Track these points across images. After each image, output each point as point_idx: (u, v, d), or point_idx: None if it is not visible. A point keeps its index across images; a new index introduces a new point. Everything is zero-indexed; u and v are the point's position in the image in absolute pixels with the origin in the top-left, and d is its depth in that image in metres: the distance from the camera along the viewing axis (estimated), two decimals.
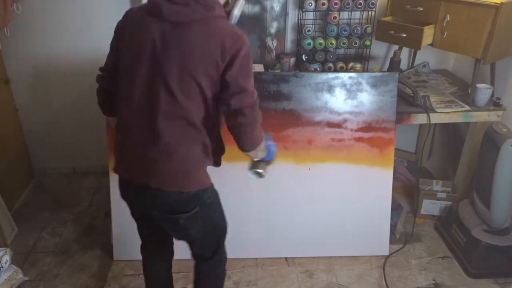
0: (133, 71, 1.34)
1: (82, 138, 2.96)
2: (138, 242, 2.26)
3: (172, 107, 1.31)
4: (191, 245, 1.68)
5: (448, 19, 2.20)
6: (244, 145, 1.45)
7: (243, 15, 2.61)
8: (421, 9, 2.31)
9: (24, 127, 2.88)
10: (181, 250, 2.29)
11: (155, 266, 1.79)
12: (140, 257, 2.28)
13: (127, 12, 1.46)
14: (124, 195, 1.54)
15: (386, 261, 2.32)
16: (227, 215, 2.28)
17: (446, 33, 2.23)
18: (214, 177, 2.22)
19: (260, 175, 1.64)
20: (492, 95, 2.33)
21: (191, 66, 1.28)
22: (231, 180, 2.22)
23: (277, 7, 2.62)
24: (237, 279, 2.20)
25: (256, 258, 2.32)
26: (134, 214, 1.64)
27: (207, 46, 1.28)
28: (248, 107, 1.35)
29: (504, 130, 2.11)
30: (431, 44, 2.33)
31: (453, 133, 2.83)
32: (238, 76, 1.32)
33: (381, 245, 2.36)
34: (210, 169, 2.23)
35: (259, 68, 2.57)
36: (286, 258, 2.33)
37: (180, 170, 1.40)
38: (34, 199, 2.82)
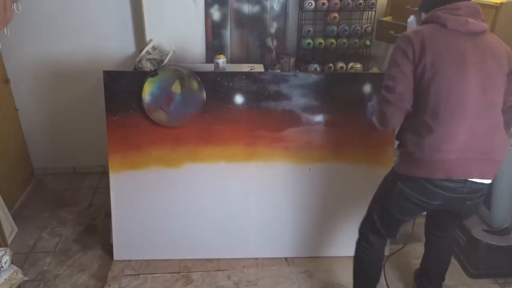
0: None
1: (82, 138, 2.96)
2: (138, 242, 2.27)
3: None
4: (446, 227, 1.88)
5: None
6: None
7: (243, 15, 2.62)
8: None
9: (24, 127, 2.88)
10: (182, 250, 2.30)
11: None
12: (140, 257, 2.29)
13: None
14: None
15: (386, 261, 2.32)
16: (226, 215, 2.29)
17: None
18: (214, 177, 2.23)
19: None
20: None
21: None
22: (231, 180, 2.23)
23: (277, 7, 2.62)
24: (237, 279, 2.20)
25: (256, 258, 2.32)
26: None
27: (501, 53, 1.57)
28: None
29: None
30: None
31: None
32: None
33: None
34: (209, 169, 2.23)
35: (259, 68, 2.57)
36: (286, 258, 2.33)
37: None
38: (34, 199, 2.82)
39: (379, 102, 1.59)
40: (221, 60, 2.38)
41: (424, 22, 1.58)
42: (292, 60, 2.64)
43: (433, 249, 1.98)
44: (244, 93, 2.14)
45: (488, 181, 1.55)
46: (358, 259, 1.88)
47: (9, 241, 2.33)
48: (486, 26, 1.54)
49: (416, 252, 2.41)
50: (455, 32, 1.49)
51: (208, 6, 2.58)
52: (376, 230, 1.77)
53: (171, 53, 2.44)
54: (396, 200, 1.63)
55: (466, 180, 1.51)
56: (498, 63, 1.51)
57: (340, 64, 2.66)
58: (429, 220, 1.94)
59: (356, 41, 2.62)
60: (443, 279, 2.03)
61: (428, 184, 1.52)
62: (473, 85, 1.46)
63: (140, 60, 2.38)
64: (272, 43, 2.69)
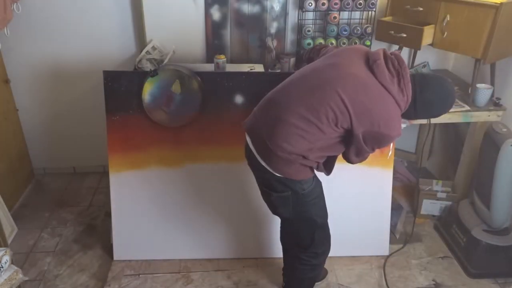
0: None
1: (82, 138, 2.96)
2: (138, 242, 2.27)
3: None
4: (284, 226, 1.92)
5: (448, 19, 2.20)
6: None
7: (243, 15, 2.62)
8: (421, 9, 2.31)
9: (24, 127, 2.88)
10: (182, 250, 2.30)
11: None
12: (140, 257, 2.29)
13: None
14: None
15: (386, 261, 2.32)
16: (226, 215, 2.28)
17: (446, 33, 2.23)
18: (214, 177, 2.23)
19: None
20: (492, 95, 2.33)
21: None
22: (230, 180, 2.23)
23: (277, 7, 2.62)
24: (237, 279, 2.20)
25: (256, 258, 2.32)
26: None
27: None
28: None
29: (504, 130, 2.11)
30: (431, 44, 2.33)
31: (453, 133, 2.83)
32: None
33: (381, 245, 2.36)
34: (209, 169, 2.23)
35: (259, 68, 2.57)
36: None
37: None
38: (34, 199, 2.82)
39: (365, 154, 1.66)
40: (221, 60, 2.38)
41: None
42: (292, 60, 2.64)
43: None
44: (244, 93, 2.14)
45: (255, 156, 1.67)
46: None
47: (9, 241, 2.33)
48: None
49: (416, 252, 2.41)
50: None
51: (208, 6, 2.58)
52: (326, 225, 1.93)
53: (171, 53, 2.44)
54: (320, 194, 1.86)
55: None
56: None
57: None
58: None
59: (356, 41, 2.62)
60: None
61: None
62: None
63: (140, 60, 2.38)
64: (272, 43, 2.69)
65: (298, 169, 1.63)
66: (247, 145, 1.73)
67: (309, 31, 2.58)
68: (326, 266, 2.30)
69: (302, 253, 1.87)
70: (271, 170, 1.64)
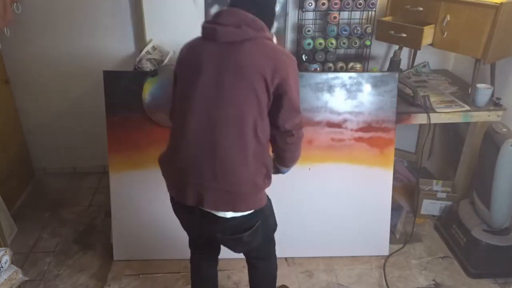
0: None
1: (82, 138, 2.96)
2: (138, 242, 2.27)
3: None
4: (249, 252, 1.72)
5: (448, 19, 2.20)
6: (287, 162, 1.59)
7: None
8: (421, 9, 2.31)
9: (24, 127, 2.88)
10: (182, 250, 2.30)
11: (205, 269, 1.83)
12: (140, 258, 2.29)
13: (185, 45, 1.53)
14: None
15: (386, 261, 2.32)
16: None
17: (446, 33, 2.23)
18: None
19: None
20: (492, 95, 2.33)
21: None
22: None
23: (277, 7, 2.61)
24: (237, 279, 2.20)
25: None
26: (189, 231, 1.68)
27: (259, 63, 1.35)
28: (296, 128, 1.43)
29: (504, 130, 2.11)
30: (431, 44, 2.33)
31: (453, 133, 2.83)
32: (290, 96, 1.37)
33: (381, 245, 2.36)
34: None
35: None
36: (286, 258, 2.33)
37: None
38: (34, 199, 2.82)
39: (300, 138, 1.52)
40: None
41: None
42: None
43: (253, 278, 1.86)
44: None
45: (222, 214, 1.42)
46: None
47: (9, 241, 2.32)
48: (249, 35, 1.36)
49: (416, 252, 2.41)
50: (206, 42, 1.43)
51: (208, 6, 2.58)
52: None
53: (171, 53, 2.44)
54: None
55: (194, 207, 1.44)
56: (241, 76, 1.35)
57: (340, 64, 2.66)
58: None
59: (356, 41, 2.62)
60: None
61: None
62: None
63: (140, 60, 2.38)
64: None
65: (263, 188, 1.47)
66: (189, 211, 1.49)
67: (309, 31, 2.58)
68: (326, 266, 2.30)
69: (263, 266, 1.79)
70: (238, 215, 1.43)
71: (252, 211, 1.45)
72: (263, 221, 1.53)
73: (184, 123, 1.40)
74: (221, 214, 1.42)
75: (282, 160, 1.58)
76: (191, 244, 1.78)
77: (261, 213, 1.51)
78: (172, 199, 1.56)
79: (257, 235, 1.53)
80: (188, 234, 1.72)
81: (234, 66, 1.35)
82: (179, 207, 1.52)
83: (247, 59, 1.35)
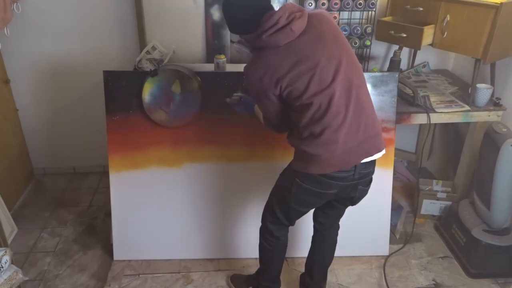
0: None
1: (82, 138, 2.96)
2: (138, 242, 2.27)
3: None
4: (338, 215, 1.92)
5: (448, 19, 2.20)
6: None
7: None
8: (421, 9, 2.31)
9: (24, 127, 2.88)
10: (182, 250, 2.30)
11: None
12: (140, 257, 2.29)
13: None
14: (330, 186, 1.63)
15: (386, 261, 2.32)
16: (226, 215, 2.29)
17: (446, 33, 2.23)
18: (214, 177, 2.23)
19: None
20: (492, 95, 2.33)
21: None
22: (230, 180, 2.23)
23: (277, 7, 2.61)
24: None
25: (256, 258, 2.32)
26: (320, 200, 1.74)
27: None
28: None
29: (504, 130, 2.11)
30: (431, 44, 2.33)
31: (453, 133, 2.83)
32: None
33: (381, 245, 2.36)
34: (209, 169, 2.23)
35: None
36: (286, 258, 2.33)
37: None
38: (34, 199, 2.82)
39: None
40: (221, 60, 2.38)
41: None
42: None
43: (317, 242, 2.00)
44: (244, 93, 2.13)
45: (377, 156, 1.63)
46: (266, 251, 1.95)
47: (9, 241, 2.33)
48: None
49: (416, 252, 2.41)
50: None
51: (208, 6, 2.58)
52: (278, 221, 1.83)
53: (171, 53, 2.44)
54: (295, 194, 1.68)
55: (355, 166, 1.59)
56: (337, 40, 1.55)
57: None
58: (317, 214, 1.95)
59: (356, 41, 2.62)
60: (325, 278, 2.07)
61: (323, 177, 1.59)
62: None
63: (140, 60, 2.37)
64: None
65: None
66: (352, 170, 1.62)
67: None
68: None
69: (335, 233, 2.01)
70: (380, 155, 1.65)
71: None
72: None
73: (328, 108, 1.50)
74: (376, 156, 1.63)
75: None
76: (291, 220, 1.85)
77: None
78: (321, 178, 1.61)
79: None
80: (311, 206, 1.80)
81: (330, 39, 1.53)
82: (329, 181, 1.61)
83: (327, 30, 1.54)
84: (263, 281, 2.04)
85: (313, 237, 2.01)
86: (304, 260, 2.32)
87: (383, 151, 1.65)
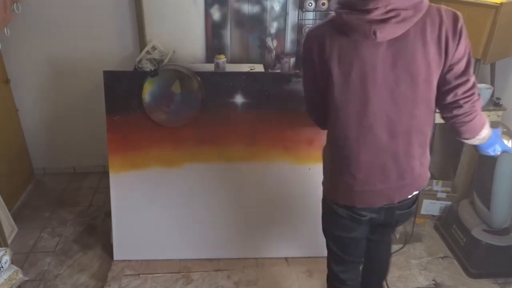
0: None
1: (82, 138, 2.96)
2: (138, 242, 2.27)
3: None
4: (383, 233, 1.71)
5: None
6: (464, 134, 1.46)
7: (243, 15, 2.62)
8: None
9: (24, 127, 2.88)
10: (182, 250, 2.30)
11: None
12: (140, 257, 2.29)
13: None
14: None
15: None
16: (226, 215, 2.29)
17: None
18: (214, 177, 2.23)
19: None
20: (492, 95, 2.33)
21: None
22: (230, 180, 2.23)
23: (277, 7, 2.62)
24: (237, 279, 2.20)
25: (256, 258, 2.32)
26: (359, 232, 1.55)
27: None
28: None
29: (504, 130, 2.11)
30: None
31: (453, 133, 2.82)
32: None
33: None
34: (209, 169, 2.23)
35: (259, 68, 2.57)
36: (286, 258, 2.33)
37: None
38: (34, 199, 2.82)
39: None
40: (221, 60, 2.38)
41: None
42: (292, 60, 2.64)
43: (369, 255, 1.76)
44: (244, 93, 2.14)
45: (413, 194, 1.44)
46: None
47: (9, 241, 2.33)
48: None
49: (416, 252, 2.41)
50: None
51: (208, 6, 2.58)
52: (335, 255, 1.63)
53: (171, 53, 2.44)
54: (330, 218, 1.57)
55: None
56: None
57: None
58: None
59: None
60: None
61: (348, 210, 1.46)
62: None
63: (140, 60, 2.38)
64: (272, 43, 2.69)
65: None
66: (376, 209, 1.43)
67: None
68: (326, 266, 2.30)
69: (388, 248, 1.80)
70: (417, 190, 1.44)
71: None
72: None
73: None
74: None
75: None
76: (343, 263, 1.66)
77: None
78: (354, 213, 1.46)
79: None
80: (351, 230, 1.55)
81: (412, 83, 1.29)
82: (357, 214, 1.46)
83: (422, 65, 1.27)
84: None
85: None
86: (304, 260, 2.32)
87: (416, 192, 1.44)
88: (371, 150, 1.33)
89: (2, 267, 1.73)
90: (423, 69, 1.22)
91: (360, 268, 1.72)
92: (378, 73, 1.23)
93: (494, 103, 2.33)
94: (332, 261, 1.67)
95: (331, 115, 1.36)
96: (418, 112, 1.29)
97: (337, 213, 1.49)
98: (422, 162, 1.41)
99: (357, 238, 1.58)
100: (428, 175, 1.46)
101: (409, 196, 1.43)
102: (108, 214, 2.28)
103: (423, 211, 2.61)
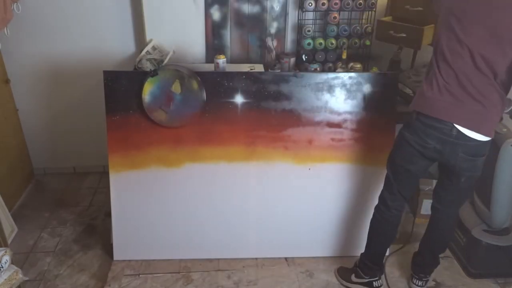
0: None
1: (82, 138, 2.96)
2: (138, 242, 2.27)
3: None
4: (453, 191, 1.89)
5: None
6: None
7: (243, 15, 2.62)
8: (421, 9, 2.31)
9: (24, 127, 2.88)
10: (182, 250, 2.30)
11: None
12: (140, 257, 2.29)
13: None
14: None
15: (386, 261, 2.32)
16: (226, 215, 2.28)
17: None
18: (214, 177, 2.23)
19: None
20: None
21: None
22: (231, 180, 2.23)
23: (277, 7, 2.62)
24: (237, 279, 2.20)
25: (256, 258, 2.32)
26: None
27: None
28: None
29: (504, 130, 2.11)
30: (431, 44, 2.33)
31: None
32: None
33: None
34: (209, 169, 2.23)
35: (259, 68, 2.57)
36: (286, 258, 2.34)
37: None
38: (34, 199, 2.82)
39: None
40: (221, 60, 2.38)
41: None
42: (292, 60, 2.64)
43: (433, 225, 2.05)
44: (244, 93, 2.14)
45: (479, 138, 1.64)
46: (375, 221, 2.01)
47: (9, 241, 2.33)
48: None
49: None
50: None
51: (208, 6, 2.58)
52: (390, 186, 1.91)
53: (171, 53, 2.44)
54: (398, 145, 1.82)
55: (453, 125, 1.64)
56: None
57: (340, 64, 2.66)
58: (435, 189, 1.99)
59: (356, 41, 2.62)
60: (436, 262, 2.11)
61: (421, 124, 1.70)
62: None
63: (140, 60, 2.37)
64: (272, 43, 2.69)
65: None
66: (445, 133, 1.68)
67: (309, 31, 2.58)
68: (326, 266, 2.30)
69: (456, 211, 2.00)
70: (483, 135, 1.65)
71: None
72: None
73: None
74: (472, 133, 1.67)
75: None
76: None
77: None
78: (419, 125, 1.74)
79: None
80: (413, 163, 1.82)
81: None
82: (426, 129, 1.71)
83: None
84: (366, 259, 2.08)
85: (430, 216, 2.05)
86: (305, 260, 2.33)
87: (482, 136, 1.64)
88: None
89: (2, 267, 1.73)
90: None
91: (405, 205, 1.99)
92: None
93: None
94: (385, 189, 1.95)
95: None
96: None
97: (408, 140, 1.75)
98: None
99: (411, 172, 1.83)
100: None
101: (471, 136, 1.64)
102: (108, 214, 2.28)
103: (423, 211, 2.61)
